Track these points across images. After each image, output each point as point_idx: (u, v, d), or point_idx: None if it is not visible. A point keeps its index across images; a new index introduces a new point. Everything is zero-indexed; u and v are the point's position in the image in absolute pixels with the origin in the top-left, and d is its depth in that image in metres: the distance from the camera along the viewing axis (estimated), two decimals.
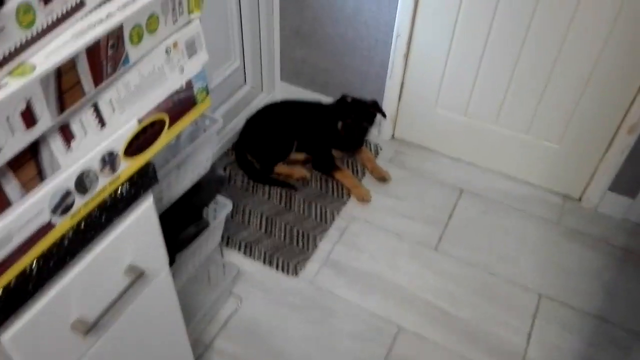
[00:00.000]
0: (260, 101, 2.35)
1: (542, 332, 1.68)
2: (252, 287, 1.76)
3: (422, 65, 2.08)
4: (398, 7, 1.95)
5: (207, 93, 0.92)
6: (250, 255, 1.85)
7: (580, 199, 2.10)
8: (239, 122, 2.25)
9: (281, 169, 2.12)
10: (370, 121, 2.13)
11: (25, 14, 0.59)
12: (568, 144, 2.00)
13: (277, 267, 1.82)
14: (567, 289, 1.81)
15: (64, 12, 0.65)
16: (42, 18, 0.62)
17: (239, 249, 1.87)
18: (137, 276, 0.85)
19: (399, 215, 2.02)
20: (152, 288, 0.94)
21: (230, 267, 1.62)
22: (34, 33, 0.61)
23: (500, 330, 1.68)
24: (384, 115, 2.15)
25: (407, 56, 2.08)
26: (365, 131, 2.14)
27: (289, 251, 1.87)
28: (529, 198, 2.11)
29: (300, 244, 1.89)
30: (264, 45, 2.26)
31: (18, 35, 0.59)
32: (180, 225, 1.23)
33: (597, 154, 1.97)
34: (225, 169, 2.15)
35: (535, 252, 1.91)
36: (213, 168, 1.31)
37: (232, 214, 1.98)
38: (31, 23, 0.60)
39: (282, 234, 1.92)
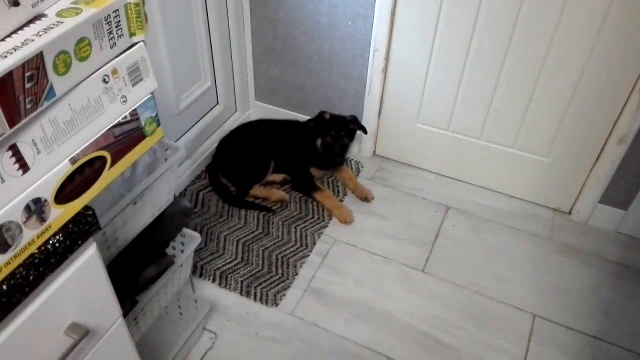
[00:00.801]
0: (235, 121, 2.25)
1: (539, 357, 1.59)
2: (229, 321, 1.65)
3: (401, 79, 1.99)
4: (374, 21, 1.87)
5: (158, 124, 0.81)
6: (225, 285, 1.74)
7: (570, 212, 2.02)
8: (212, 144, 2.15)
9: (257, 191, 2.01)
10: (350, 137, 2.04)
11: None
12: (556, 156, 1.93)
13: (255, 298, 1.71)
14: (562, 308, 1.72)
15: None
16: None
17: (213, 279, 1.75)
18: (81, 336, 0.73)
19: (384, 236, 1.93)
20: (104, 344, 0.83)
21: (203, 302, 1.51)
22: None
23: (495, 356, 1.58)
24: (364, 131, 2.06)
25: (385, 71, 2.00)
26: (345, 148, 2.04)
27: (268, 280, 1.76)
28: (517, 213, 2.03)
29: (280, 271, 1.79)
30: (236, 64, 2.16)
31: None
32: (140, 266, 1.12)
33: (586, 166, 1.89)
34: (198, 194, 2.04)
35: (527, 270, 1.83)
36: (177, 199, 1.21)
37: (206, 242, 1.87)
38: None
39: (260, 261, 1.81)
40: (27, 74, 0.58)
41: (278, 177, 2.07)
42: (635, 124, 1.70)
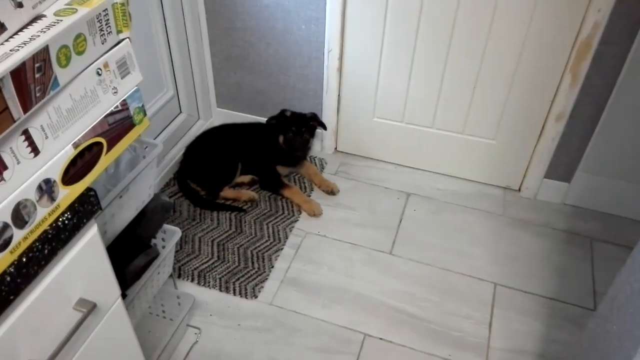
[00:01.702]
0: (198, 129, 2.32)
1: (502, 320, 1.72)
2: (210, 316, 1.71)
3: (356, 77, 2.12)
4: (326, 23, 1.99)
5: (145, 114, 0.90)
6: (204, 284, 1.80)
7: (519, 190, 2.19)
8: (178, 152, 2.21)
9: (227, 193, 2.09)
10: (311, 133, 2.15)
11: None
12: (502, 138, 2.09)
13: (234, 292, 1.78)
14: (520, 275, 1.86)
15: None
16: None
17: (192, 279, 1.81)
18: (89, 310, 0.80)
19: (351, 225, 2.04)
20: (106, 322, 0.90)
21: (186, 298, 1.57)
22: None
23: (463, 323, 1.71)
24: (324, 127, 2.17)
25: (340, 70, 2.12)
26: (306, 143, 2.15)
27: (245, 274, 1.83)
28: (472, 194, 2.18)
29: (256, 265, 1.86)
30: (196, 73, 2.24)
31: None
32: (129, 257, 1.18)
33: (530, 145, 2.06)
34: (172, 204, 2.09)
35: (485, 245, 1.97)
36: (157, 196, 1.28)
37: (181, 245, 1.93)
38: None
39: (236, 258, 1.88)
40: (36, 65, 0.65)
41: (246, 178, 2.15)
42: (570, 101, 1.88)
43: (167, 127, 2.20)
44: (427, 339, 1.66)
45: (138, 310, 1.31)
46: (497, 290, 1.82)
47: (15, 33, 0.66)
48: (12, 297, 0.68)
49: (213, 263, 1.87)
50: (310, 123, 2.12)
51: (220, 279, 1.81)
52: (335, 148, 2.37)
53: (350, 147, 2.35)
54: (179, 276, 1.82)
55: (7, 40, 0.65)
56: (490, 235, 2.01)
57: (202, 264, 1.86)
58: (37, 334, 0.74)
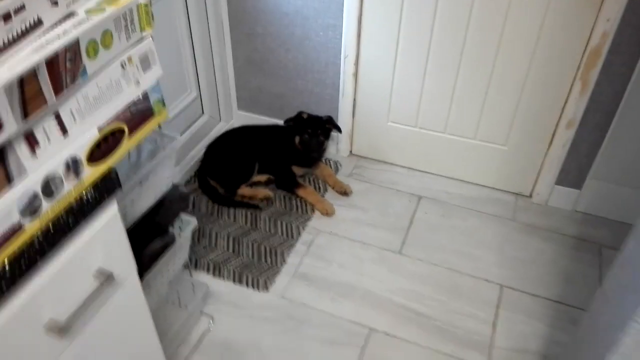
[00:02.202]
0: (219, 130, 2.42)
1: (507, 321, 1.76)
2: (223, 306, 1.79)
3: (371, 82, 2.19)
4: (343, 29, 2.07)
5: (164, 105, 0.98)
6: (219, 275, 1.89)
7: (531, 196, 2.22)
8: (199, 151, 2.31)
9: (244, 191, 2.18)
10: (326, 135, 2.22)
11: None
12: (514, 144, 2.13)
13: (247, 284, 1.86)
14: (527, 278, 1.90)
15: (23, 29, 0.72)
16: (3, 34, 0.69)
17: (208, 270, 1.90)
18: (106, 278, 0.89)
19: (363, 224, 2.10)
20: (122, 294, 0.98)
21: (200, 286, 1.66)
22: None
23: (467, 322, 1.75)
24: (339, 130, 2.24)
25: (356, 75, 2.19)
26: (321, 145, 2.22)
27: (258, 268, 1.91)
28: (483, 199, 2.22)
29: (269, 260, 1.94)
30: (219, 76, 2.34)
31: None
32: (146, 242, 1.27)
33: (541, 151, 2.10)
34: (189, 195, 2.20)
35: (493, 248, 2.01)
36: (175, 186, 1.37)
37: (199, 238, 2.02)
38: None
39: (250, 252, 1.97)
40: (68, 56, 0.75)
41: (263, 177, 2.24)
42: (580, 108, 1.91)
43: (189, 127, 2.30)
44: (431, 336, 1.71)
45: (155, 292, 1.40)
46: (504, 292, 1.86)
47: (51, 28, 0.76)
48: (38, 259, 0.76)
49: (228, 256, 1.95)
50: (325, 125, 2.20)
51: (234, 271, 1.90)
52: (351, 151, 2.44)
53: (365, 150, 2.41)
54: (195, 267, 1.91)
55: (43, 34, 0.74)
56: (499, 239, 2.05)
57: (218, 256, 1.95)
58: (61, 295, 0.83)
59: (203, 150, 2.29)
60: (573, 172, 2.09)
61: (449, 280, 1.89)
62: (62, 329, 0.82)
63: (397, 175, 2.34)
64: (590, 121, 1.93)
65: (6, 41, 0.69)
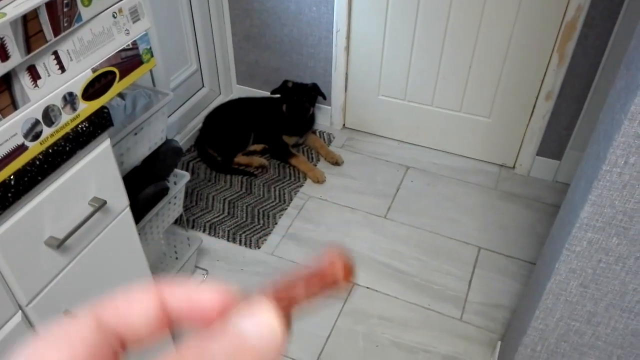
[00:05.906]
0: (219, 103, 2.54)
1: (482, 279, 1.87)
2: (218, 261, 1.92)
3: (362, 56, 2.30)
4: (335, 4, 2.17)
5: (152, 55, 1.10)
6: (214, 234, 2.01)
7: (514, 167, 2.32)
8: (198, 122, 2.44)
9: (241, 159, 2.30)
10: (312, 102, 2.33)
11: None
12: (497, 116, 2.23)
13: (240, 243, 1.98)
14: (504, 242, 2.00)
15: None
16: None
17: (204, 230, 2.03)
18: (100, 205, 1.01)
19: (352, 191, 2.21)
20: (116, 226, 1.11)
21: (194, 239, 1.78)
22: None
23: (444, 279, 1.86)
24: (323, 96, 2.35)
25: (348, 49, 2.30)
26: (307, 111, 2.32)
27: (251, 228, 2.03)
28: (469, 170, 2.33)
29: (262, 221, 2.06)
30: (218, 50, 2.46)
31: None
32: (141, 187, 1.39)
33: (523, 123, 2.19)
34: (188, 164, 2.32)
35: (474, 214, 2.11)
36: (169, 140, 1.49)
37: (197, 201, 2.15)
38: None
39: (244, 214, 2.09)
40: (65, 1, 0.86)
41: (258, 147, 2.36)
42: (558, 80, 2.00)
43: (190, 98, 2.43)
44: (409, 290, 1.82)
45: (150, 239, 1.52)
46: (481, 253, 1.96)
47: None
48: (39, 178, 0.89)
49: (223, 218, 2.08)
50: (311, 93, 2.31)
51: (228, 231, 2.02)
52: (344, 124, 2.55)
53: (357, 123, 2.52)
54: (192, 227, 2.03)
55: None
56: (480, 206, 2.15)
57: (214, 218, 2.08)
58: (59, 215, 0.95)
59: (202, 121, 2.41)
60: (553, 143, 2.18)
61: (430, 242, 2.00)
62: (60, 245, 0.94)
63: (387, 147, 2.45)
64: (569, 93, 2.02)
65: None
